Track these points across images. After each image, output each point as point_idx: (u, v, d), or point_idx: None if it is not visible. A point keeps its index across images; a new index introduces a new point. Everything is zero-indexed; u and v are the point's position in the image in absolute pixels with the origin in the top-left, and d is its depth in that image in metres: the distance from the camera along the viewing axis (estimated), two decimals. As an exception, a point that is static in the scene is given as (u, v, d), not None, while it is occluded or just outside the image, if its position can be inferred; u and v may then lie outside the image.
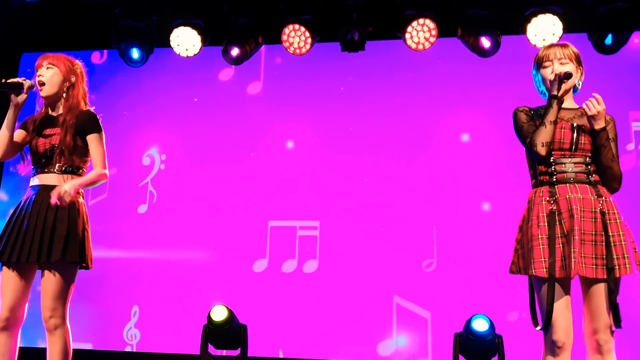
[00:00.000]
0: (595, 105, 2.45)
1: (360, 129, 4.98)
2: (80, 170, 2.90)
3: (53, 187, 2.78)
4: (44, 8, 5.02)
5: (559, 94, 2.50)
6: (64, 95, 2.94)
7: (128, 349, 4.84)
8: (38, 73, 2.92)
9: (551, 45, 2.63)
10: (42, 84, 2.90)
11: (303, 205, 4.87)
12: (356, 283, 4.68)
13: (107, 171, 2.92)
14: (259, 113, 5.11)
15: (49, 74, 2.91)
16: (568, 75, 2.49)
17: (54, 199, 2.67)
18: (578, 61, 2.60)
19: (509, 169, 4.57)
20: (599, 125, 2.46)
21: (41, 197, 2.80)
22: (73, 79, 2.96)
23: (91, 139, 2.90)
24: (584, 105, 2.48)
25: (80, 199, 2.90)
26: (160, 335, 4.84)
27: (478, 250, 4.57)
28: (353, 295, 4.66)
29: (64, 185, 2.71)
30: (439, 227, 4.69)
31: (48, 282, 2.74)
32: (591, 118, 2.47)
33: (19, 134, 2.95)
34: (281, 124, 5.08)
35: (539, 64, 2.61)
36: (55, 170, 2.85)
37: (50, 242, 2.72)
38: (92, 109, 3.02)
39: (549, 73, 2.55)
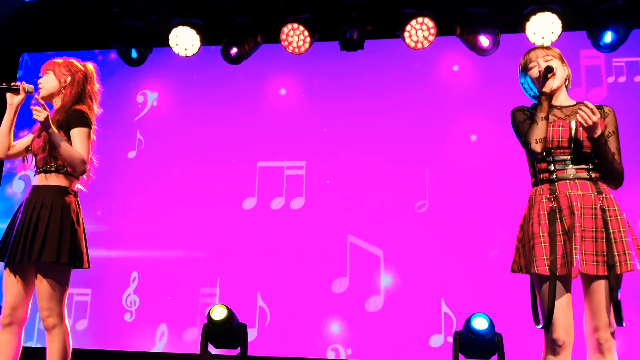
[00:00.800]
0: (590, 115, 2.39)
1: (354, 115, 5.05)
2: (63, 169, 2.86)
3: (41, 187, 2.84)
4: (43, 8, 5.02)
5: (547, 90, 2.50)
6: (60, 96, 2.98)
7: (127, 315, 4.91)
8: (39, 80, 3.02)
9: (533, 49, 2.67)
10: (40, 89, 2.98)
11: (290, 147, 5.03)
12: (341, 220, 4.85)
13: (85, 163, 2.83)
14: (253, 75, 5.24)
15: (44, 79, 2.98)
16: (549, 69, 2.49)
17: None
18: (562, 59, 2.63)
19: (509, 166, 4.58)
20: (596, 133, 2.42)
21: (31, 197, 2.84)
22: (68, 80, 2.97)
23: (73, 133, 2.85)
24: (578, 117, 2.43)
25: (72, 197, 2.88)
26: (160, 335, 4.86)
27: (469, 190, 4.71)
28: (338, 230, 4.82)
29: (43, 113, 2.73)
30: (431, 170, 4.81)
31: (39, 283, 2.77)
32: (587, 129, 2.43)
33: (28, 138, 3.01)
34: (274, 77, 5.23)
35: (525, 68, 2.65)
36: (43, 170, 2.87)
37: (32, 242, 2.73)
38: (92, 108, 3.01)
39: (535, 73, 2.58)
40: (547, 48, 2.65)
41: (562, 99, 2.62)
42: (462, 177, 4.76)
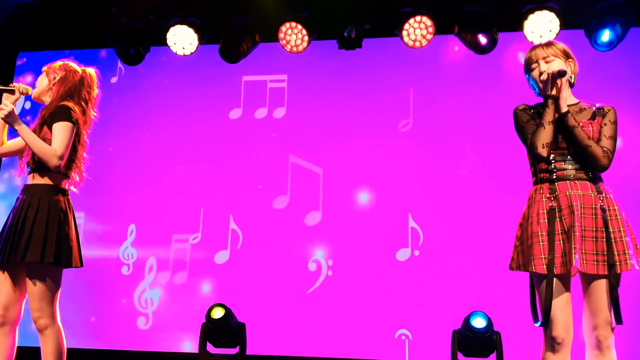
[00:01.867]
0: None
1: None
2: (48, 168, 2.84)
3: (30, 186, 2.84)
4: (40, 7, 5.01)
5: (554, 93, 2.48)
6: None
7: (124, 269, 5.02)
8: None
9: (535, 47, 2.63)
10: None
11: (273, 62, 5.18)
12: (325, 125, 5.05)
13: (59, 158, 2.78)
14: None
15: (38, 79, 3.02)
16: (562, 73, 2.47)
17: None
18: (566, 56, 2.58)
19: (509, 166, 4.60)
20: (563, 108, 2.47)
21: (21, 196, 2.84)
22: (57, 77, 2.96)
23: (54, 127, 2.81)
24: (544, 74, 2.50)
25: (60, 196, 2.85)
26: (160, 334, 4.86)
27: (455, 107, 4.89)
28: (322, 136, 5.03)
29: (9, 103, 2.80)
30: (415, 89, 4.95)
31: (28, 283, 2.75)
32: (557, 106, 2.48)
33: (20, 140, 3.00)
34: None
35: (528, 67, 2.62)
36: (32, 169, 2.87)
37: (18, 241, 2.72)
38: (85, 109, 2.99)
39: (537, 75, 2.55)
40: (548, 45, 2.60)
41: (565, 97, 2.56)
42: (444, 99, 4.91)
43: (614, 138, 2.50)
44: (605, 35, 4.32)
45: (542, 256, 2.40)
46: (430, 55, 4.92)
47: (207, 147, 5.14)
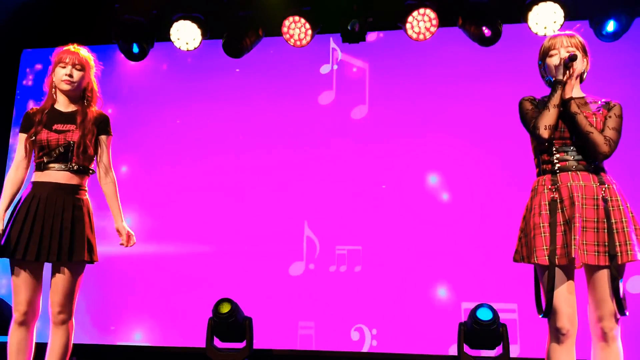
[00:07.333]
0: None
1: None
2: (90, 171, 2.96)
3: (66, 185, 2.84)
4: (43, 3, 5.02)
5: (564, 79, 2.49)
6: (83, 94, 3.00)
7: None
8: (66, 70, 2.93)
9: (557, 35, 2.62)
10: (70, 82, 2.92)
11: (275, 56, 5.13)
12: None
13: (114, 174, 3.05)
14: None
15: (77, 77, 2.95)
16: (573, 57, 2.47)
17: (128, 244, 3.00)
18: (584, 51, 2.59)
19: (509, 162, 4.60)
20: (568, 94, 2.48)
21: (55, 196, 2.82)
22: (92, 79, 3.04)
23: (104, 140, 3.00)
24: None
25: (86, 196, 2.93)
26: (166, 329, 4.88)
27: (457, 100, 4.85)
28: None
29: (128, 230, 2.99)
30: (417, 81, 4.91)
31: (60, 279, 2.80)
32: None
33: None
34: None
35: (545, 53, 2.60)
36: (69, 168, 2.85)
37: (72, 242, 2.79)
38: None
39: (555, 61, 2.54)
40: (571, 36, 2.60)
41: (573, 90, 2.56)
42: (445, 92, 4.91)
43: (617, 130, 2.50)
44: (610, 26, 4.29)
45: (544, 247, 2.40)
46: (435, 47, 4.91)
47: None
